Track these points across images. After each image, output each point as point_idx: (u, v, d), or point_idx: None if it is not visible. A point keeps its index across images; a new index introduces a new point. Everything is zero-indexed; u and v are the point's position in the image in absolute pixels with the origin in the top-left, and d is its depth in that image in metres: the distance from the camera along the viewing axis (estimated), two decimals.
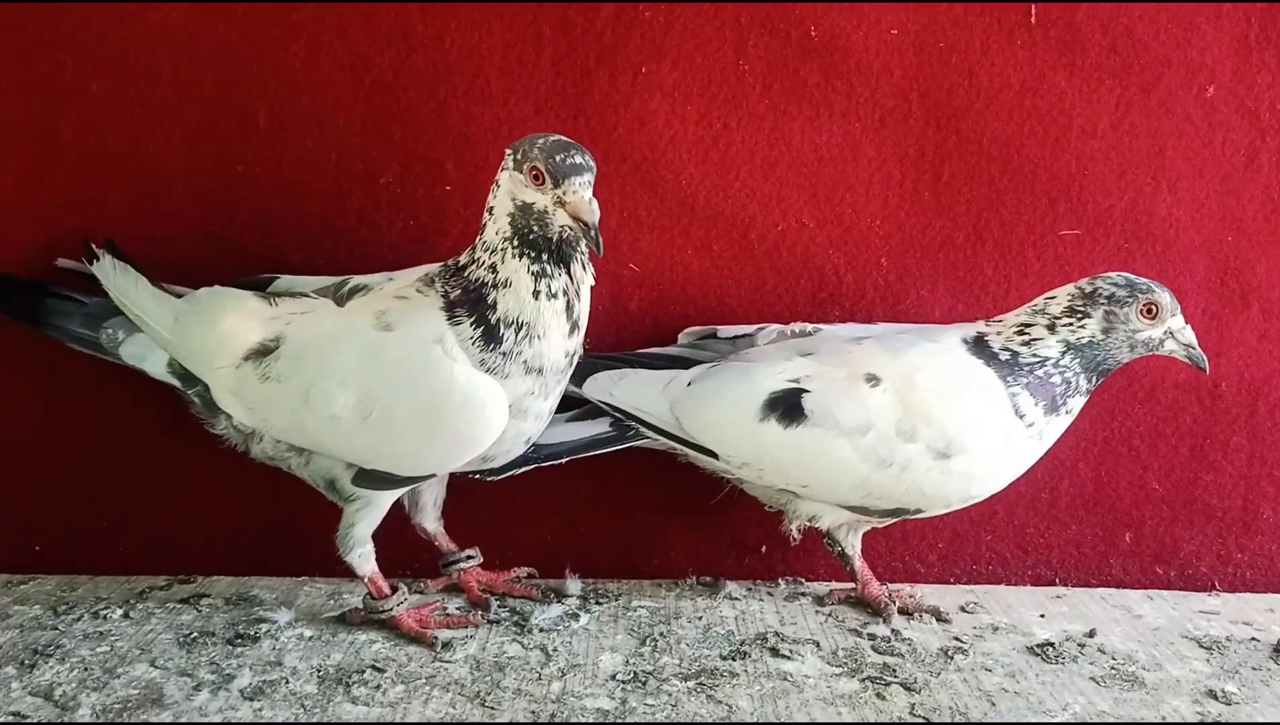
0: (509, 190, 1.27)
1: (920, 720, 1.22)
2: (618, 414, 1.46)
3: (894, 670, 1.33)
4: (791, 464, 1.41)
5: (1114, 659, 1.38)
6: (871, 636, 1.42)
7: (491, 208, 1.29)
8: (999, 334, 1.41)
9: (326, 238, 1.54)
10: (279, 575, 1.57)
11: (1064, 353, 1.38)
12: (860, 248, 1.56)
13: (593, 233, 1.22)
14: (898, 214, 1.56)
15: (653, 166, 1.53)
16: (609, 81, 1.52)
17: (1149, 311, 1.38)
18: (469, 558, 1.51)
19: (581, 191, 1.23)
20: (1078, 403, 1.40)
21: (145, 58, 1.50)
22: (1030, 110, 1.54)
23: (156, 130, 1.51)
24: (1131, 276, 1.40)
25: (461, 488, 1.51)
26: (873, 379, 1.39)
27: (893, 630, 1.44)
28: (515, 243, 1.27)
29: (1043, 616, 1.51)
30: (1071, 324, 1.39)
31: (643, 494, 1.60)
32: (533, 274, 1.27)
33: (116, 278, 1.40)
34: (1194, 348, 1.39)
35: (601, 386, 1.44)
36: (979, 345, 1.41)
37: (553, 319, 1.28)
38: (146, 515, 1.58)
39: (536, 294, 1.27)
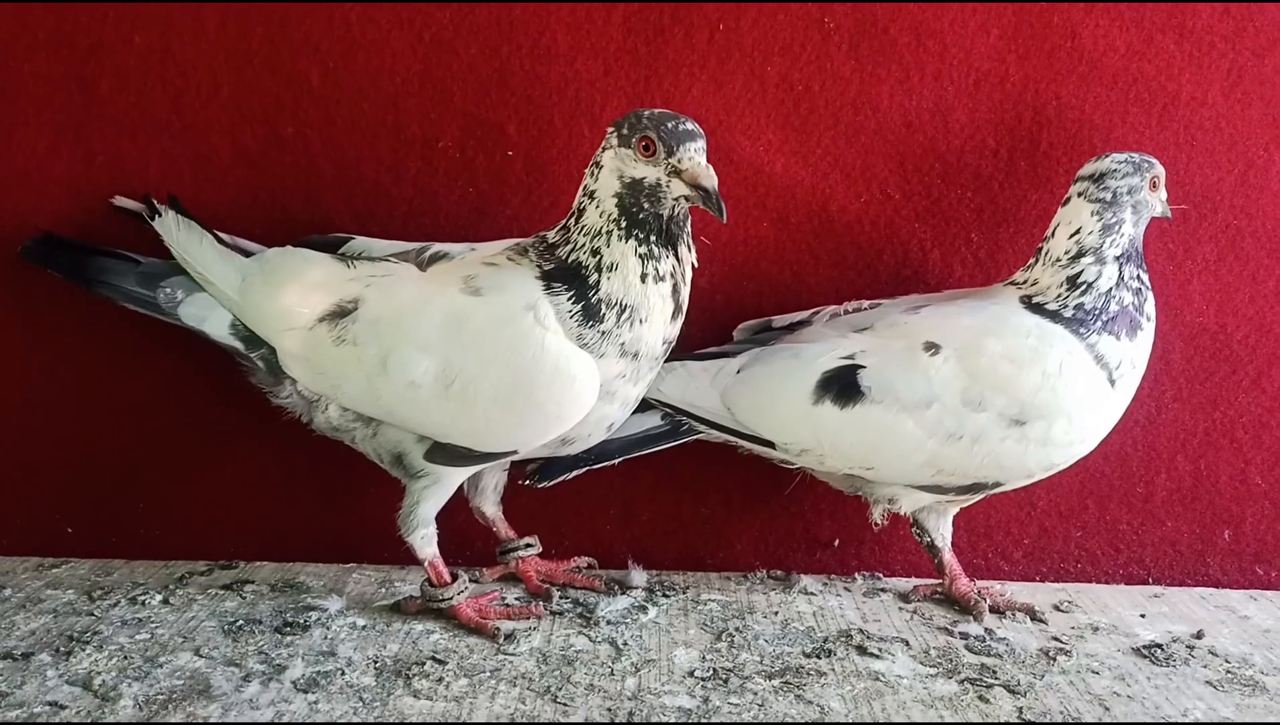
0: (614, 169, 1.21)
1: None
2: (668, 409, 1.37)
3: (994, 671, 1.23)
4: (853, 446, 1.32)
5: (1228, 662, 1.29)
6: (964, 635, 1.33)
7: (593, 191, 1.23)
8: (1044, 293, 1.32)
9: (380, 205, 1.45)
10: (325, 561, 1.49)
11: (1119, 267, 1.31)
12: (949, 222, 1.47)
13: (714, 198, 1.18)
14: (990, 186, 1.46)
15: (728, 132, 1.44)
16: (684, 39, 1.43)
17: (1154, 185, 1.34)
18: (528, 546, 1.44)
19: (697, 157, 1.19)
20: (1148, 297, 1.33)
21: (189, 10, 1.42)
22: (1136, 76, 1.44)
23: (200, 88, 1.43)
24: (1127, 154, 1.34)
25: (520, 473, 1.42)
26: (932, 347, 1.30)
27: (986, 629, 1.34)
28: (622, 224, 1.21)
29: (1143, 616, 1.41)
30: (1115, 237, 1.31)
31: (707, 483, 1.52)
32: (640, 257, 1.21)
33: (179, 235, 1.32)
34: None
35: None
36: (1034, 306, 1.32)
37: (658, 303, 1.22)
38: (183, 497, 1.50)
39: (644, 277, 1.21)
